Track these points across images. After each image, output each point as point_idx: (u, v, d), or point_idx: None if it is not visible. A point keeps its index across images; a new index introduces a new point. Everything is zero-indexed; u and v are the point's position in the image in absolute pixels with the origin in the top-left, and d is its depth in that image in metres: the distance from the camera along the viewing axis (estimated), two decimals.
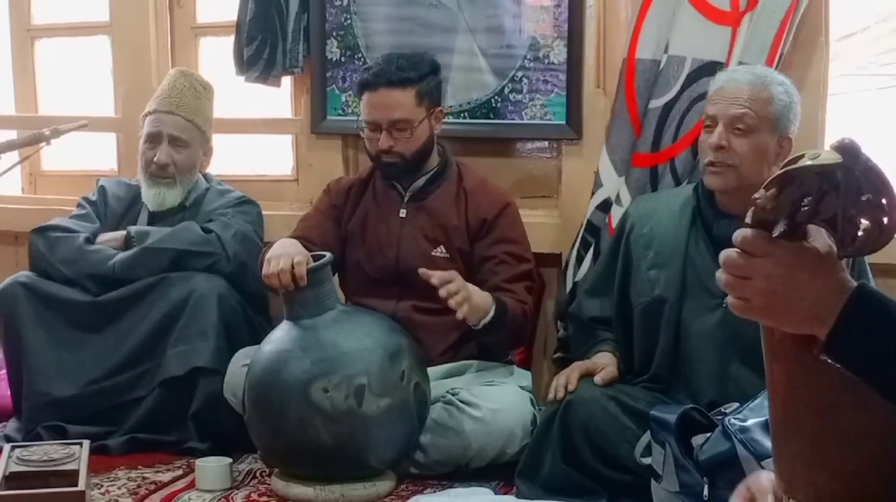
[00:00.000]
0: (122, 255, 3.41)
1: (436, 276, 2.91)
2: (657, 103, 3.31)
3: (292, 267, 2.94)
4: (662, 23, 3.30)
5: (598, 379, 2.89)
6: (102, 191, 3.67)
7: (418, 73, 3.23)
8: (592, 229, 3.40)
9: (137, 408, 3.34)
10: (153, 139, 3.55)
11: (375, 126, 3.22)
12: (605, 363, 2.97)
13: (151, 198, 3.57)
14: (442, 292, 2.89)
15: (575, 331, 3.21)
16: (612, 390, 2.88)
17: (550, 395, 2.92)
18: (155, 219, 3.59)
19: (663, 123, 3.31)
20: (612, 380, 2.92)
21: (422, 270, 2.95)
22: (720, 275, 1.28)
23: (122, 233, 3.50)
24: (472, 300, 2.94)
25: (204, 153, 3.64)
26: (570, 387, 2.88)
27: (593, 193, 3.44)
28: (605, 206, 3.38)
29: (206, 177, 3.70)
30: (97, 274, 3.41)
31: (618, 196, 3.35)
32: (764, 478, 1.49)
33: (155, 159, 3.53)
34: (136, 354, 3.37)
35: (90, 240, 3.48)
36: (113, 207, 3.65)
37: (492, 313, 3.05)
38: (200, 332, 3.31)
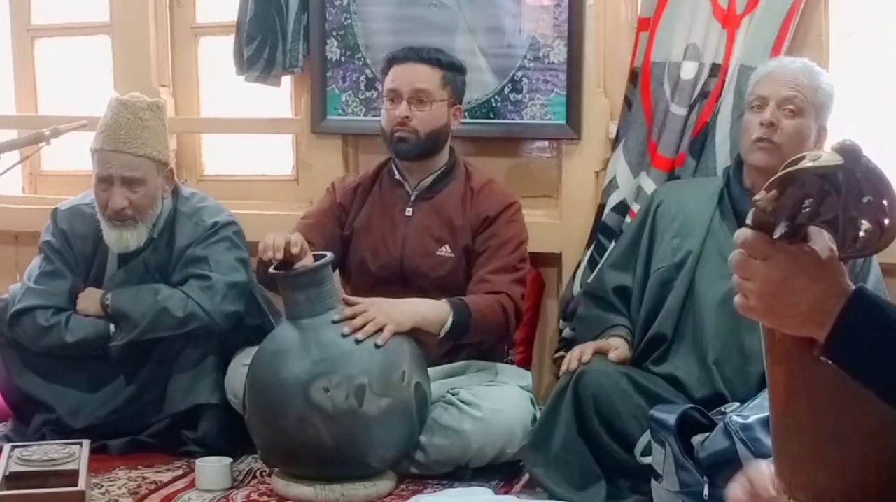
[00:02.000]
0: (115, 348, 3.30)
1: (339, 313, 2.97)
2: (681, 111, 3.31)
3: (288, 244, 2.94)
4: (679, 25, 3.31)
5: (612, 356, 2.92)
6: (63, 234, 3.43)
7: (448, 59, 3.32)
8: (607, 231, 3.40)
9: (144, 431, 3.34)
10: (104, 181, 3.30)
11: (396, 95, 3.25)
12: (617, 345, 2.98)
13: (114, 241, 3.34)
14: (345, 330, 2.94)
15: (591, 308, 3.17)
16: (624, 368, 2.91)
17: (564, 367, 2.94)
18: (125, 256, 3.40)
19: (684, 129, 3.32)
20: (625, 361, 2.94)
21: (343, 297, 3.07)
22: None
23: (99, 299, 3.35)
24: (396, 321, 2.98)
25: (164, 178, 3.37)
26: (584, 359, 2.89)
27: (606, 195, 3.45)
28: (621, 209, 3.38)
29: (174, 191, 3.45)
30: (91, 353, 3.34)
31: (637, 195, 3.37)
32: (764, 466, 1.50)
33: (110, 204, 3.29)
34: (142, 390, 3.35)
35: (69, 317, 3.34)
36: (79, 249, 3.43)
37: (450, 320, 3.08)
38: (202, 367, 3.31)
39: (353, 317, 2.98)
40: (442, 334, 3.10)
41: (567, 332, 3.41)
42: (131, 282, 3.38)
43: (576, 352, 2.95)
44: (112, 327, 3.32)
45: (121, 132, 3.29)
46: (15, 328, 3.35)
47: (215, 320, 3.29)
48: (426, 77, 3.26)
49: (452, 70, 3.31)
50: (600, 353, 2.93)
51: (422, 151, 3.28)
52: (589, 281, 3.35)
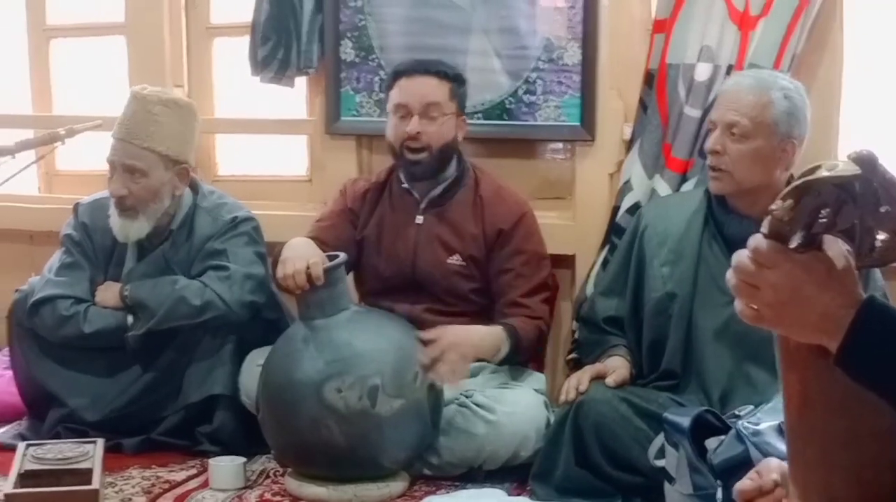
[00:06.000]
0: (132, 338, 3.32)
1: (422, 353, 2.97)
2: (695, 113, 3.30)
3: (307, 268, 2.95)
4: (694, 27, 3.31)
5: (609, 380, 2.91)
6: (84, 227, 3.48)
7: (454, 71, 3.31)
8: (621, 233, 3.40)
9: (158, 425, 3.36)
10: (110, 167, 3.38)
11: (406, 111, 3.23)
12: (616, 366, 2.98)
13: (117, 230, 3.40)
14: (431, 377, 2.96)
15: (588, 334, 3.21)
16: (623, 392, 2.90)
17: (562, 397, 2.94)
18: (144, 248, 3.45)
19: (699, 131, 3.30)
20: (624, 383, 2.94)
21: (419, 334, 3.02)
22: (730, 277, 1.28)
23: (118, 291, 3.38)
24: (467, 358, 3.01)
25: (177, 174, 3.39)
26: (582, 389, 2.89)
27: (621, 197, 3.45)
28: (635, 210, 3.37)
29: (193, 187, 3.50)
30: (108, 344, 3.37)
31: (651, 197, 3.37)
32: (773, 461, 1.50)
33: (110, 190, 3.37)
34: (157, 382, 3.38)
35: (87, 308, 3.37)
36: (99, 243, 3.48)
37: (505, 349, 3.11)
38: (218, 358, 3.32)
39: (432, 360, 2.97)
40: (494, 362, 3.14)
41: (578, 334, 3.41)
42: (150, 276, 3.41)
43: (573, 380, 2.95)
44: (130, 319, 3.35)
45: (127, 122, 3.36)
46: (34, 317, 3.38)
47: (233, 309, 3.31)
48: (435, 90, 3.24)
49: (457, 82, 3.30)
50: (598, 378, 2.93)
51: (434, 169, 3.28)
52: (583, 306, 3.35)
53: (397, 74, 3.28)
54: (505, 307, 3.23)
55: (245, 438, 3.27)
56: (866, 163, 1.18)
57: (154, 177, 3.35)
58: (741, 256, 1.26)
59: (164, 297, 3.31)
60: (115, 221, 3.40)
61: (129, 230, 3.39)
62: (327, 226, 3.37)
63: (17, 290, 3.48)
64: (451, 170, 3.34)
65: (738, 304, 1.28)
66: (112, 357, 3.39)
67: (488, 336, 3.12)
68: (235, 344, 3.35)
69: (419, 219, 3.33)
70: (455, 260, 3.28)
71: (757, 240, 1.25)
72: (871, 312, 1.23)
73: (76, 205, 3.55)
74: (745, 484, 1.54)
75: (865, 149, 1.19)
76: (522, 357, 3.24)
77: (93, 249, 3.48)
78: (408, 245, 3.32)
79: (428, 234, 3.31)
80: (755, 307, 1.26)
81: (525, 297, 3.22)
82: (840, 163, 1.19)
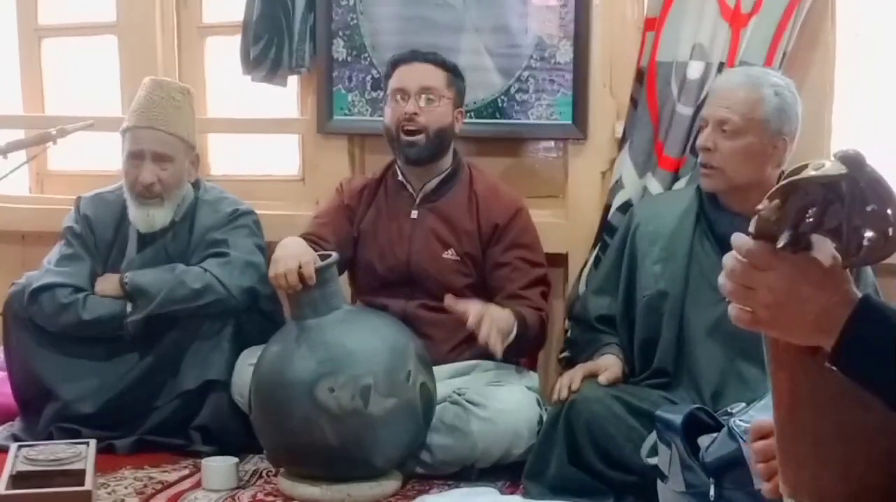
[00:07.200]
0: (131, 323, 3.33)
1: (460, 305, 2.97)
2: (687, 111, 3.29)
3: (299, 267, 2.95)
4: (686, 25, 3.30)
5: (602, 379, 2.91)
6: (86, 220, 3.51)
7: (452, 63, 3.36)
8: (613, 232, 3.40)
9: (151, 415, 3.37)
10: (135, 157, 3.39)
11: (404, 94, 3.27)
12: (609, 364, 2.98)
13: (140, 220, 3.43)
14: (471, 321, 2.92)
15: (580, 333, 3.21)
16: (616, 390, 2.90)
17: (555, 396, 2.94)
18: (145, 240, 3.48)
19: (691, 129, 3.29)
20: (616, 381, 2.94)
21: (448, 300, 3.00)
22: (723, 281, 1.28)
23: (117, 280, 3.39)
24: (501, 328, 2.97)
25: (191, 162, 3.48)
26: (574, 387, 2.89)
27: (612, 195, 3.44)
28: (626, 209, 3.37)
29: (195, 184, 3.54)
30: (106, 333, 3.38)
31: (643, 196, 3.36)
32: (765, 422, 1.49)
33: (139, 178, 3.38)
34: (154, 368, 3.38)
35: (87, 296, 3.38)
36: (100, 234, 3.51)
37: (514, 332, 3.07)
38: (215, 345, 3.33)
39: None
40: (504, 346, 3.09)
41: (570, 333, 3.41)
42: (150, 267, 3.42)
43: (565, 379, 2.95)
44: (129, 307, 3.36)
45: (154, 109, 3.40)
46: (33, 306, 3.38)
47: (232, 293, 3.33)
48: (433, 75, 3.29)
49: (455, 73, 3.34)
50: (591, 377, 2.93)
51: (430, 153, 3.29)
52: (576, 305, 3.34)
53: (396, 63, 3.34)
54: (504, 300, 3.21)
55: (239, 431, 3.27)
56: (853, 162, 1.18)
57: (178, 163, 3.43)
58: (731, 259, 1.26)
59: (163, 282, 3.33)
60: (136, 213, 3.43)
61: (154, 219, 3.43)
62: (325, 222, 3.38)
63: (13, 284, 3.48)
64: (447, 162, 3.35)
65: (733, 309, 1.27)
66: (110, 346, 3.40)
67: (502, 315, 3.06)
68: (233, 332, 3.36)
69: (414, 213, 3.34)
70: (450, 254, 3.29)
71: (746, 242, 1.25)
72: (867, 310, 1.23)
73: (78, 199, 3.58)
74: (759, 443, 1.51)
75: (852, 148, 1.19)
76: (526, 346, 3.23)
77: (94, 242, 3.51)
78: (402, 239, 3.32)
79: (423, 229, 3.32)
80: (750, 310, 1.26)
81: (524, 290, 3.22)
82: (827, 163, 1.19)
